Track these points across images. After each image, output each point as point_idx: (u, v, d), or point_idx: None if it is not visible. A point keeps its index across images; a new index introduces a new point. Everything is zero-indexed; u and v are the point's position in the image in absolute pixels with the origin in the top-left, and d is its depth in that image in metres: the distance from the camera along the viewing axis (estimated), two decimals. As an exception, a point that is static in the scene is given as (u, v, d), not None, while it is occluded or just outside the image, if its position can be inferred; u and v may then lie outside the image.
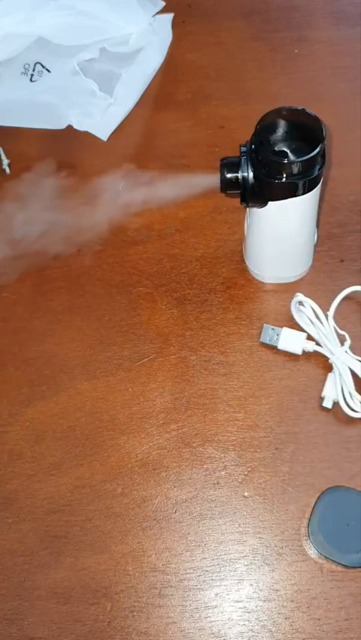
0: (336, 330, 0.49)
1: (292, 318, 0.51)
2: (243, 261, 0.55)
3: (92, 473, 0.48)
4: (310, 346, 0.50)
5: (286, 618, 0.43)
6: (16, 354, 0.53)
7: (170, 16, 0.68)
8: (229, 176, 0.45)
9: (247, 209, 0.49)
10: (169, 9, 0.68)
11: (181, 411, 0.50)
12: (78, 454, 0.49)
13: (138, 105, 0.65)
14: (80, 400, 0.51)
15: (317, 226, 0.52)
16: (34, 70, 0.63)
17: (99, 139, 0.63)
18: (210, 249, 0.56)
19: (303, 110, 0.43)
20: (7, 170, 0.62)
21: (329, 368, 0.50)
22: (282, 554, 0.45)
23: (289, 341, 0.50)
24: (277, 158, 0.42)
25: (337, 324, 0.49)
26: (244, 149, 0.45)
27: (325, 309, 0.49)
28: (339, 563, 0.43)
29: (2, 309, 0.55)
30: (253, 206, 0.47)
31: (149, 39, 0.65)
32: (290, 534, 0.45)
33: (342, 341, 0.49)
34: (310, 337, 0.50)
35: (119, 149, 0.63)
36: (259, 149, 0.42)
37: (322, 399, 0.49)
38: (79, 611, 0.44)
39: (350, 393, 0.47)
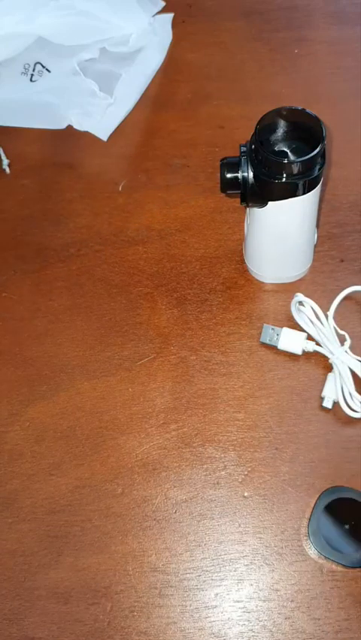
0: (336, 330, 0.49)
1: (292, 318, 0.51)
2: (243, 261, 0.55)
3: (92, 473, 0.48)
4: (310, 346, 0.50)
5: (286, 618, 0.43)
6: (16, 354, 0.53)
7: (170, 16, 0.68)
8: (229, 176, 0.45)
9: (247, 209, 0.50)
10: (169, 9, 0.68)
11: (181, 411, 0.50)
12: (78, 454, 0.49)
13: (138, 105, 0.65)
14: (80, 400, 0.51)
15: (317, 226, 0.52)
16: (34, 70, 0.63)
17: (99, 139, 0.63)
18: (210, 249, 0.57)
19: (303, 110, 0.43)
20: (7, 170, 0.62)
21: (329, 368, 0.50)
22: (282, 554, 0.45)
23: (289, 341, 0.50)
24: (277, 158, 0.42)
25: (337, 324, 0.49)
26: (244, 149, 0.45)
27: (325, 309, 0.49)
28: (339, 563, 0.43)
29: (2, 309, 0.56)
30: (253, 206, 0.47)
31: (149, 39, 0.65)
32: (290, 534, 0.45)
33: (342, 341, 0.49)
34: (310, 337, 0.50)
35: (119, 149, 0.63)
36: (259, 149, 0.42)
37: (322, 399, 0.49)
38: (79, 611, 0.44)
39: (350, 393, 0.47)
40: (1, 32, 0.60)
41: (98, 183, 0.61)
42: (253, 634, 0.43)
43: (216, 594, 0.44)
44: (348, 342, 0.48)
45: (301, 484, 0.47)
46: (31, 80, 0.63)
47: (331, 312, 0.49)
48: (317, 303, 0.49)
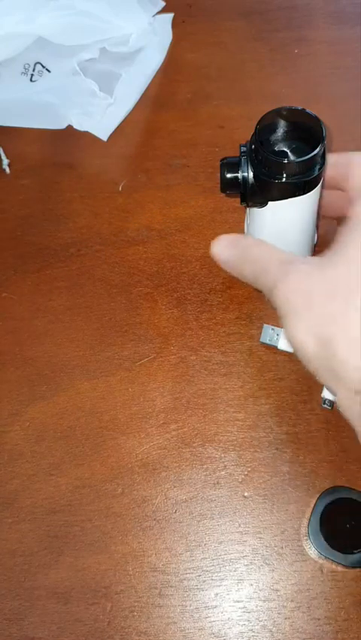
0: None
1: (292, 318, 0.51)
2: (243, 261, 0.55)
3: (92, 473, 0.48)
4: (310, 346, 0.50)
5: (286, 618, 0.43)
6: (16, 354, 0.53)
7: (170, 16, 0.68)
8: (229, 176, 0.45)
9: (247, 209, 0.49)
10: (169, 9, 0.68)
11: (181, 411, 0.50)
12: (78, 454, 0.49)
13: (138, 105, 0.65)
14: (80, 400, 0.51)
15: (317, 226, 0.52)
16: (34, 70, 0.63)
17: (99, 139, 0.63)
18: (210, 248, 0.56)
19: (303, 110, 0.43)
20: (7, 170, 0.62)
21: (329, 368, 0.50)
22: (282, 554, 0.45)
23: (289, 341, 0.50)
24: (277, 158, 0.42)
25: (337, 324, 0.49)
26: (244, 149, 0.45)
27: (325, 309, 0.49)
28: (339, 563, 0.43)
29: (2, 309, 0.56)
30: (253, 206, 0.47)
31: (149, 39, 0.65)
32: (290, 534, 0.45)
33: (342, 341, 0.49)
34: (310, 337, 0.50)
35: (119, 149, 0.63)
36: (259, 149, 0.42)
37: (322, 399, 0.49)
38: (79, 611, 0.44)
39: (350, 393, 0.47)
40: (1, 32, 0.60)
41: (98, 183, 0.61)
42: (253, 634, 0.43)
43: (216, 594, 0.44)
44: (348, 342, 0.48)
45: (301, 484, 0.47)
46: (31, 80, 0.63)
47: (331, 312, 0.49)
48: (317, 303, 0.49)
